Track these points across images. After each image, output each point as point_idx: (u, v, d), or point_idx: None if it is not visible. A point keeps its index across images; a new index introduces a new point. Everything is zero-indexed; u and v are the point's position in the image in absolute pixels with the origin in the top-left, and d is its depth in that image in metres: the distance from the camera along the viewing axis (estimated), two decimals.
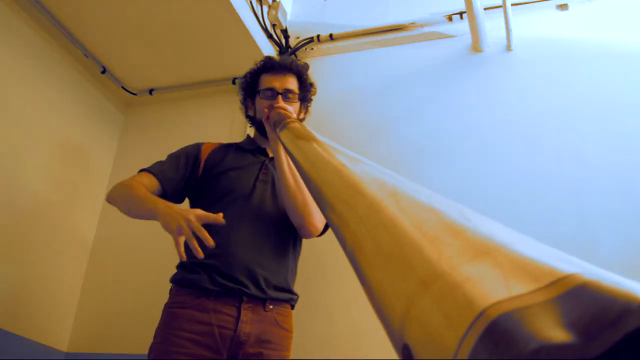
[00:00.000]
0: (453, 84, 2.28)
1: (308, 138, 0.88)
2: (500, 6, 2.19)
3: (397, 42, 2.50)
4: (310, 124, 2.36)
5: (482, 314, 0.29)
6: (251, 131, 1.68)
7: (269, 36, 2.50)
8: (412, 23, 2.50)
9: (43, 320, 2.14)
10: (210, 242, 1.19)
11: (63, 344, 2.23)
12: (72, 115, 2.40)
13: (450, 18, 2.45)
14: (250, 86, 1.61)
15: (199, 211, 1.25)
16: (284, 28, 2.56)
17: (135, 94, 2.67)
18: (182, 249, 1.21)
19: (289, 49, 2.59)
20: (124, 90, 2.64)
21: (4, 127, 2.03)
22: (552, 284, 0.30)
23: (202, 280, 1.35)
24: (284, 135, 1.08)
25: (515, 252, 0.35)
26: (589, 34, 2.18)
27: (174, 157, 1.54)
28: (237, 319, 1.33)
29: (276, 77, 1.56)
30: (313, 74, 2.58)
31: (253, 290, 1.36)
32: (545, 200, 1.89)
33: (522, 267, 0.33)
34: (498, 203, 1.93)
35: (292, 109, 1.47)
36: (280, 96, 1.52)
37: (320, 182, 0.67)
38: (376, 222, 0.48)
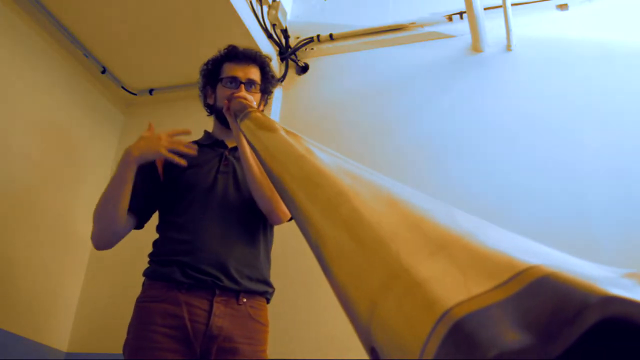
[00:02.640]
0: (453, 84, 2.28)
1: (270, 128, 0.85)
2: (500, 6, 2.19)
3: (397, 42, 2.50)
4: (310, 124, 2.37)
5: (442, 317, 0.29)
6: (209, 127, 1.66)
7: (269, 36, 2.50)
8: (412, 23, 2.50)
9: (43, 320, 2.14)
10: (191, 151, 1.42)
11: (63, 344, 2.23)
12: (72, 115, 2.40)
13: (450, 18, 2.45)
14: (212, 74, 1.58)
15: (167, 132, 1.41)
16: (284, 28, 2.56)
17: (135, 94, 2.67)
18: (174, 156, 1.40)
19: (289, 49, 2.59)
20: (124, 90, 2.64)
21: (3, 127, 2.03)
22: (511, 279, 0.29)
23: (174, 272, 1.34)
24: (244, 126, 1.05)
25: (473, 243, 0.34)
26: (589, 34, 2.18)
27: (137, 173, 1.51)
28: (209, 312, 1.32)
29: (239, 66, 1.54)
30: (313, 74, 2.59)
31: (226, 282, 1.34)
32: (545, 200, 1.89)
33: (480, 261, 0.32)
34: (498, 203, 1.93)
35: (252, 99, 1.44)
36: (242, 85, 1.51)
37: (281, 175, 0.65)
38: (336, 219, 0.47)
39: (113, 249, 2.34)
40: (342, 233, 0.45)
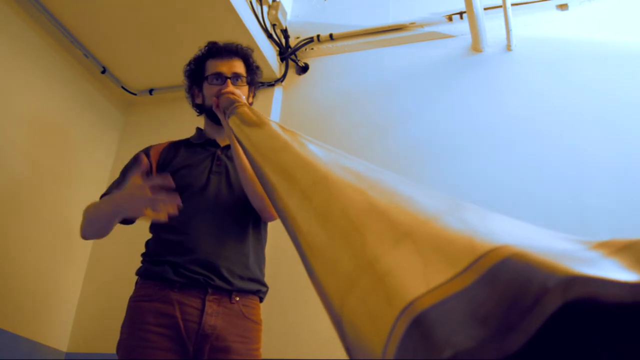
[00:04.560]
0: (453, 84, 2.28)
1: (255, 122, 0.84)
2: (500, 6, 2.19)
3: (397, 42, 2.50)
4: (310, 124, 2.37)
5: (402, 313, 0.27)
6: (200, 124, 1.64)
7: (269, 36, 2.50)
8: (412, 23, 2.50)
9: (43, 320, 2.14)
10: (177, 202, 1.22)
11: (63, 344, 2.23)
12: (72, 115, 2.40)
13: (450, 18, 2.45)
14: (196, 73, 1.57)
15: (153, 182, 1.25)
16: (284, 28, 2.56)
17: (135, 94, 2.67)
18: (158, 214, 1.24)
19: (289, 49, 2.59)
20: (124, 90, 2.64)
21: (2, 127, 2.03)
22: (470, 266, 0.27)
23: (166, 272, 1.34)
24: (232, 122, 1.04)
25: (440, 227, 0.31)
26: (589, 34, 2.18)
27: (126, 171, 1.52)
28: (202, 311, 1.31)
29: (223, 61, 1.53)
30: (313, 74, 2.59)
31: (217, 281, 1.34)
32: (545, 199, 1.89)
33: (443, 247, 0.29)
34: (497, 202, 1.93)
35: (241, 93, 1.44)
36: (229, 80, 1.49)
37: (264, 169, 0.64)
38: (309, 210, 0.46)
39: (113, 249, 2.36)
40: (315, 225, 0.43)
